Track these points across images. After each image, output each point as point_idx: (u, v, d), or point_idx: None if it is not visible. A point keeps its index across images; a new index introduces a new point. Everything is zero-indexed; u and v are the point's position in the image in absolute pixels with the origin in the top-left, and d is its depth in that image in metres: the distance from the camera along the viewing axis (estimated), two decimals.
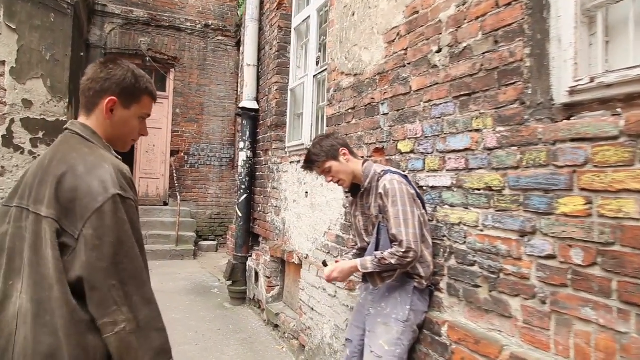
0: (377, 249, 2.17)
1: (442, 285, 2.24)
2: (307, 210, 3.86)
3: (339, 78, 3.38)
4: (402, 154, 2.61)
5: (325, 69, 4.03)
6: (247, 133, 5.28)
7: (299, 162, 4.12)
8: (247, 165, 5.28)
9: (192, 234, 8.55)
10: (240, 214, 5.28)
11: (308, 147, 2.32)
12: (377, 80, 2.89)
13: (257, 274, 4.95)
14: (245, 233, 5.28)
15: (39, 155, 5.86)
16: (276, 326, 4.27)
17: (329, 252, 3.42)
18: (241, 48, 6.37)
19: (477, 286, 2.03)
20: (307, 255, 3.79)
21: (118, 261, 1.16)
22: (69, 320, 1.15)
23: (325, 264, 2.28)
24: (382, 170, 2.21)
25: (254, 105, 5.30)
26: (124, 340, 1.15)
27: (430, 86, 2.38)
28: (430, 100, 2.38)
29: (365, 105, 2.99)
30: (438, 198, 2.29)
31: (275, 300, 4.58)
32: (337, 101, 3.39)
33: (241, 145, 5.35)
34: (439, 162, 2.29)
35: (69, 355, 1.14)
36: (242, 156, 5.31)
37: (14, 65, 5.89)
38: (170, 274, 6.68)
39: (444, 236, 2.24)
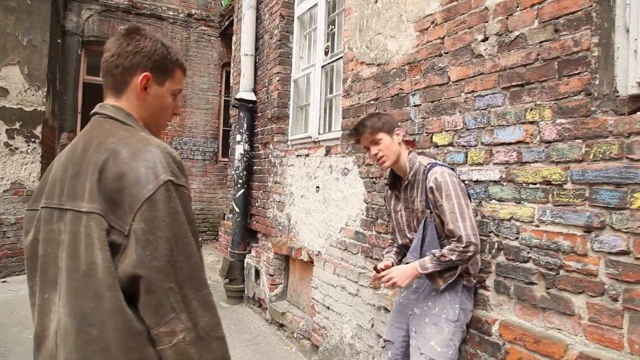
0: (422, 247, 2.07)
1: (489, 282, 2.16)
2: (318, 206, 3.73)
3: (357, 68, 3.26)
4: (437, 146, 2.51)
5: (335, 60, 3.91)
6: (244, 125, 5.09)
7: (307, 155, 3.98)
8: (245, 159, 5.09)
9: None
10: (237, 210, 5.09)
11: (362, 118, 2.26)
12: (407, 70, 2.78)
13: (257, 271, 4.78)
14: (243, 230, 5.10)
15: (15, 148, 5.54)
16: (281, 325, 4.13)
17: (346, 249, 3.30)
18: (234, 37, 6.14)
19: (532, 283, 1.96)
20: (320, 252, 3.66)
21: (174, 259, 0.98)
22: (126, 332, 0.97)
23: (376, 269, 2.15)
24: (429, 163, 2.10)
25: (251, 96, 5.11)
26: (183, 353, 0.98)
27: (474, 76, 2.29)
28: (473, 91, 2.29)
29: (392, 96, 2.88)
30: (483, 192, 2.21)
31: (279, 298, 4.43)
32: (356, 92, 3.27)
33: (238, 138, 5.15)
34: (485, 155, 2.21)
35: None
36: (239, 149, 5.11)
37: None
38: None
39: (491, 232, 2.15)
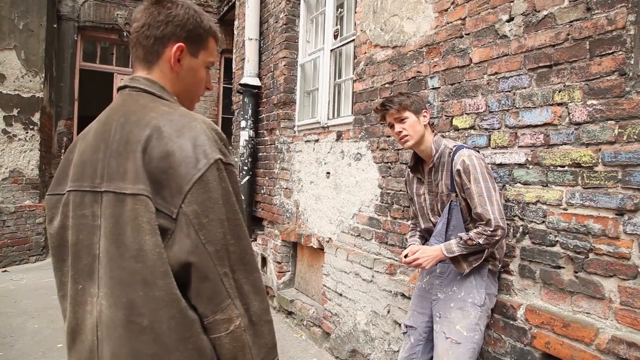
0: (447, 231, 2.04)
1: (513, 267, 2.13)
2: (329, 192, 3.68)
3: (371, 51, 3.19)
4: (458, 130, 2.47)
5: (345, 43, 3.84)
6: (249, 111, 5.01)
7: (316, 141, 3.92)
8: (250, 146, 5.02)
9: None
10: (242, 197, 5.03)
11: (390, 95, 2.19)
12: (424, 53, 2.72)
13: (264, 259, 4.75)
14: (248, 217, 5.05)
15: (14, 135, 5.44)
16: (290, 313, 4.11)
17: (359, 235, 3.27)
18: (236, 22, 6.03)
19: (559, 267, 1.93)
20: (330, 238, 3.62)
21: (227, 243, 0.93)
22: (181, 322, 0.91)
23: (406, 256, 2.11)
24: (454, 146, 2.06)
25: (256, 82, 5.03)
26: (239, 340, 0.94)
27: (497, 58, 2.25)
28: (497, 73, 2.25)
29: (409, 79, 2.83)
30: (507, 176, 2.17)
31: (287, 286, 4.40)
32: (369, 75, 3.21)
33: (242, 124, 5.07)
34: (509, 138, 2.17)
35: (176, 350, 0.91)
36: (244, 136, 5.04)
37: None
38: None
39: (515, 216, 2.12)
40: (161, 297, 0.90)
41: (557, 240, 1.94)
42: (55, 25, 7.06)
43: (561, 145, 1.94)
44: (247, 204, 5.03)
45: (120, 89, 1.10)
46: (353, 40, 3.61)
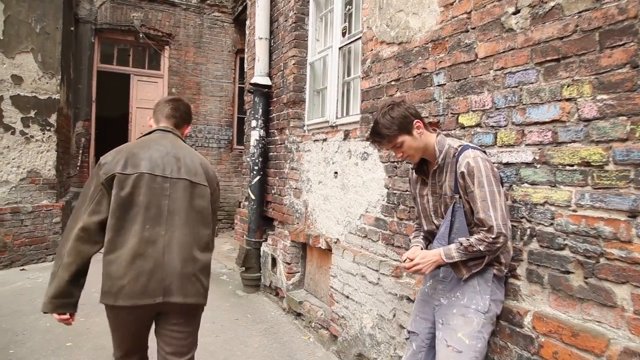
0: (450, 233, 1.95)
1: (520, 271, 2.03)
2: (336, 192, 3.62)
3: (377, 48, 3.12)
4: (464, 128, 2.37)
5: (353, 41, 3.76)
6: (260, 111, 4.98)
7: (324, 140, 3.86)
8: (260, 145, 4.99)
9: None
10: (253, 197, 5.01)
11: (375, 117, 2.04)
12: (430, 48, 2.63)
13: (274, 259, 4.71)
14: (259, 217, 5.02)
15: (31, 136, 5.54)
16: (298, 315, 4.06)
17: (366, 236, 3.19)
18: (247, 21, 6.02)
19: (568, 272, 1.83)
20: (338, 239, 3.56)
21: (217, 208, 2.23)
22: (209, 245, 2.05)
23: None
24: (460, 146, 1.96)
25: (266, 81, 5.00)
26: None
27: (504, 52, 2.14)
28: (503, 68, 2.15)
29: (414, 76, 2.74)
30: (514, 175, 2.07)
31: (296, 287, 4.36)
32: (376, 73, 3.13)
33: (253, 123, 5.05)
34: (516, 136, 2.07)
35: (208, 262, 2.03)
36: (254, 135, 5.01)
37: (1, 38, 5.49)
38: None
39: (523, 217, 2.02)
40: (209, 233, 2.04)
41: (566, 244, 1.84)
42: (72, 28, 7.17)
43: (570, 143, 1.84)
44: (257, 204, 5.00)
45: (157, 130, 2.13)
46: (360, 37, 3.54)
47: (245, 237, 5.23)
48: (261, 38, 5.01)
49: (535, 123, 1.98)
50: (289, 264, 4.36)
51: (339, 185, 3.58)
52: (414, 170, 2.17)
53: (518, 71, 2.07)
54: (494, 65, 2.20)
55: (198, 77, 9.05)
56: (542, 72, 1.96)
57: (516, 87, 2.08)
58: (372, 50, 3.18)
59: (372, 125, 2.03)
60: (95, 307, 4.24)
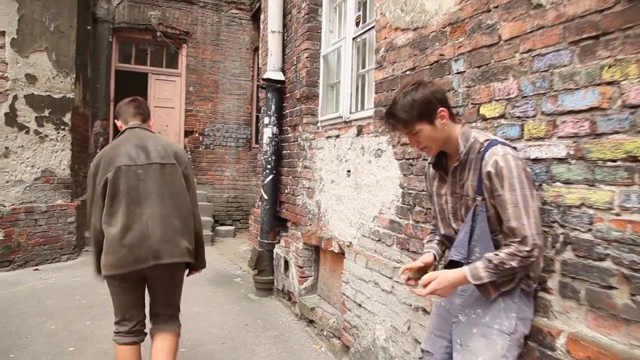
0: (470, 241, 1.69)
1: (551, 284, 1.75)
2: (349, 192, 3.38)
3: (391, 35, 2.86)
4: (486, 119, 2.10)
5: (367, 30, 3.52)
6: (273, 107, 4.78)
7: (337, 136, 3.63)
8: (273, 143, 4.79)
9: (208, 219, 8.12)
10: (265, 197, 4.82)
11: (394, 96, 1.76)
12: (448, 33, 2.37)
13: (286, 262, 4.51)
14: (272, 218, 4.82)
15: (45, 135, 5.49)
16: (311, 321, 3.84)
17: (379, 240, 2.95)
18: (262, 16, 5.83)
19: (611, 287, 1.54)
20: (351, 242, 3.32)
21: (194, 183, 2.62)
22: (188, 212, 2.42)
23: (410, 270, 1.78)
24: (486, 140, 1.68)
25: (279, 76, 4.79)
26: (201, 224, 2.58)
27: (532, 32, 1.87)
28: (530, 50, 1.87)
29: (431, 64, 2.48)
30: (545, 173, 1.80)
31: (309, 292, 4.14)
32: (390, 62, 2.88)
33: (266, 120, 4.85)
34: (547, 128, 1.79)
35: (188, 227, 2.40)
36: (267, 133, 4.81)
37: (15, 37, 5.43)
38: None
39: (554, 222, 1.74)
40: (186, 202, 2.41)
41: (608, 254, 1.55)
42: (89, 27, 7.15)
43: (612, 134, 1.55)
44: (270, 204, 4.81)
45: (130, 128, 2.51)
46: (374, 26, 3.29)
47: (258, 238, 5.04)
48: (274, 31, 4.81)
49: (570, 112, 1.70)
50: (301, 267, 4.14)
51: (352, 184, 3.34)
52: (431, 165, 1.90)
53: (548, 53, 1.79)
54: (520, 48, 1.93)
55: (216, 75, 8.94)
56: (578, 52, 1.67)
57: (546, 71, 1.80)
58: (385, 38, 2.93)
59: (389, 104, 1.77)
60: (103, 310, 4.14)
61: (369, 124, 3.16)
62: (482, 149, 1.65)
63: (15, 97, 5.43)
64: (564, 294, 1.70)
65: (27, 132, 5.57)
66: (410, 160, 2.66)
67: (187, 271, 2.59)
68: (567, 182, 1.70)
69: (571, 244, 1.68)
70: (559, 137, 1.74)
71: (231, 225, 8.90)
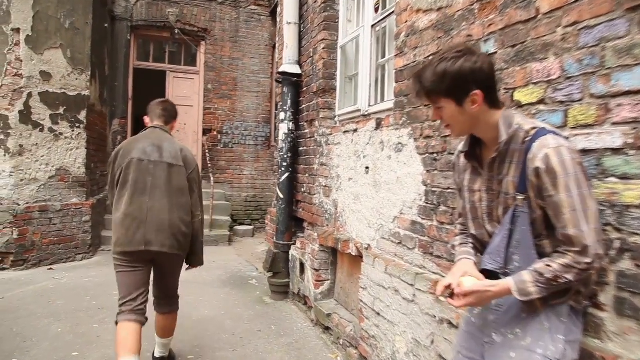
0: (508, 247, 1.42)
1: (604, 299, 1.47)
2: (368, 190, 3.13)
3: (413, 18, 2.60)
4: (521, 106, 1.83)
5: (387, 16, 3.26)
6: (289, 102, 4.57)
7: (355, 131, 3.38)
8: (289, 139, 4.58)
9: (226, 218, 7.97)
10: (281, 196, 4.60)
11: (432, 58, 1.51)
12: (476, 10, 2.10)
13: (302, 265, 4.28)
14: (288, 217, 4.61)
15: (60, 133, 5.41)
16: (327, 328, 3.60)
17: (400, 243, 2.69)
18: (278, 8, 5.63)
19: None
20: (369, 245, 3.07)
21: (200, 189, 2.87)
22: (187, 212, 2.68)
23: (449, 288, 1.50)
24: (533, 128, 1.39)
25: (296, 69, 4.57)
26: (201, 225, 2.83)
27: (576, 1, 1.59)
28: (576, 23, 1.59)
29: None
30: (595, 167, 1.52)
31: (325, 297, 3.90)
32: (411, 48, 2.62)
33: (281, 116, 4.64)
34: (597, 113, 1.51)
35: (184, 224, 2.64)
36: (283, 129, 4.60)
37: (30, 34, 5.36)
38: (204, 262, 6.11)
39: (608, 225, 1.46)
40: (187, 201, 2.69)
41: None
42: (106, 25, 7.08)
43: None
44: (286, 203, 4.59)
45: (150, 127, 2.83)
46: (394, 10, 3.03)
47: (274, 239, 4.83)
48: (290, 23, 4.59)
49: (627, 93, 1.42)
50: (317, 270, 3.91)
51: (371, 182, 3.09)
52: (462, 154, 1.62)
53: (598, 24, 1.51)
54: (562, 21, 1.65)
55: (234, 72, 8.79)
56: (637, 20, 1.39)
57: (596, 45, 1.52)
58: (406, 21, 2.67)
59: (425, 64, 1.51)
60: (113, 312, 3.98)
61: (389, 116, 2.91)
62: (527, 139, 1.36)
63: (29, 95, 5.37)
64: (621, 312, 1.42)
65: (42, 130, 5.50)
66: (434, 155, 2.40)
67: (187, 266, 2.93)
68: (624, 177, 1.42)
69: (630, 252, 1.40)
70: (613, 124, 1.46)
71: (250, 225, 8.74)
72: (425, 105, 2.48)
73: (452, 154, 2.25)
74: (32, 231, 5.32)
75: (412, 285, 2.43)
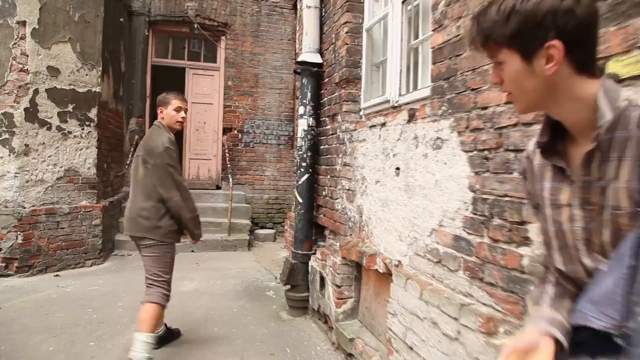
0: (630, 295, 0.88)
1: None
2: (398, 195, 2.62)
3: None
4: (620, 81, 1.29)
5: None
6: (308, 95, 4.09)
7: (383, 125, 2.87)
8: (309, 137, 4.10)
9: (246, 222, 7.57)
10: (300, 200, 4.13)
11: None
12: None
13: (322, 279, 3.79)
14: (307, 224, 4.13)
15: (69, 132, 5.08)
16: (350, 355, 3.10)
17: (439, 262, 2.17)
18: None
19: None
20: (400, 262, 2.56)
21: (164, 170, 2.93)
22: (148, 195, 2.89)
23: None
24: None
25: (316, 58, 4.09)
26: (177, 204, 2.90)
27: None
28: None
29: None
30: None
31: (348, 317, 3.40)
32: (453, 19, 2.10)
33: (301, 110, 4.17)
34: None
35: (146, 207, 2.88)
36: (302, 125, 4.13)
37: (37, 27, 5.06)
38: (219, 269, 5.71)
39: None
40: (150, 189, 2.90)
41: None
42: (121, 20, 6.78)
43: None
44: (306, 208, 4.11)
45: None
46: None
47: (292, 247, 4.36)
48: (309, 6, 4.12)
49: None
50: (339, 286, 3.42)
51: (402, 185, 2.58)
52: (538, 149, 1.09)
53: None
54: None
55: (256, 68, 8.39)
56: None
57: None
58: None
59: (481, 6, 1.00)
60: (113, 328, 3.62)
61: (424, 105, 2.40)
62: None
63: (36, 91, 5.07)
64: None
65: (49, 129, 5.19)
66: (485, 152, 1.87)
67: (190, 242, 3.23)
68: None
69: None
70: None
71: (271, 228, 8.32)
72: (473, 90, 1.95)
73: (510, 150, 1.73)
74: (38, 235, 5.01)
75: (455, 319, 1.91)
